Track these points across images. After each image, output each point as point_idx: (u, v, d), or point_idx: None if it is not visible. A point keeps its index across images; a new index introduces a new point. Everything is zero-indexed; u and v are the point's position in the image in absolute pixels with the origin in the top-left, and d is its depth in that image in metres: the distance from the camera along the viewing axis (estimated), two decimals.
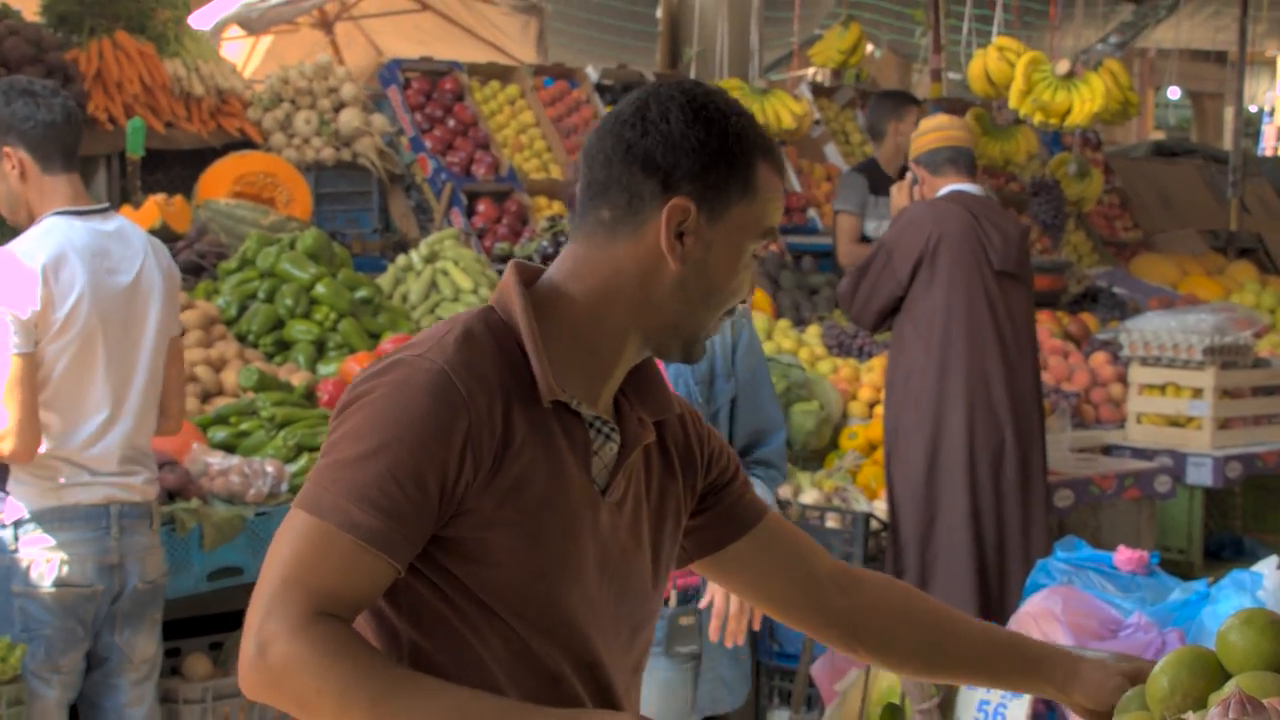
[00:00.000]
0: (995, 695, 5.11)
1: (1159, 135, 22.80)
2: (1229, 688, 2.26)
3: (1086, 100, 9.41)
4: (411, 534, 2.45)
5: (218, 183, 8.93)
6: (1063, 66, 9.46)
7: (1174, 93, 27.37)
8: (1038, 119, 9.55)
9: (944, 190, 7.41)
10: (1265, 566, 5.56)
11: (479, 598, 2.53)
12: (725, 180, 2.59)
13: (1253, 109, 26.07)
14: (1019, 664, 2.95)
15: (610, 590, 2.67)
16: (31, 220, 5.18)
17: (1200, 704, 2.29)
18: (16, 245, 5.09)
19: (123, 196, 8.70)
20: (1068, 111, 9.46)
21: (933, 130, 7.56)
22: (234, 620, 6.29)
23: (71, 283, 5.07)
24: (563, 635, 2.60)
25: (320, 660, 2.33)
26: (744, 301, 2.69)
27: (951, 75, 13.37)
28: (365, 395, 2.48)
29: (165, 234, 8.07)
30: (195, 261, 7.96)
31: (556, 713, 2.40)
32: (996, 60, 9.70)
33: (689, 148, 2.58)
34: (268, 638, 2.35)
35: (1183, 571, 7.54)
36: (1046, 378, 9.40)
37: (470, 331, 2.55)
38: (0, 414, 4.96)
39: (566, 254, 2.67)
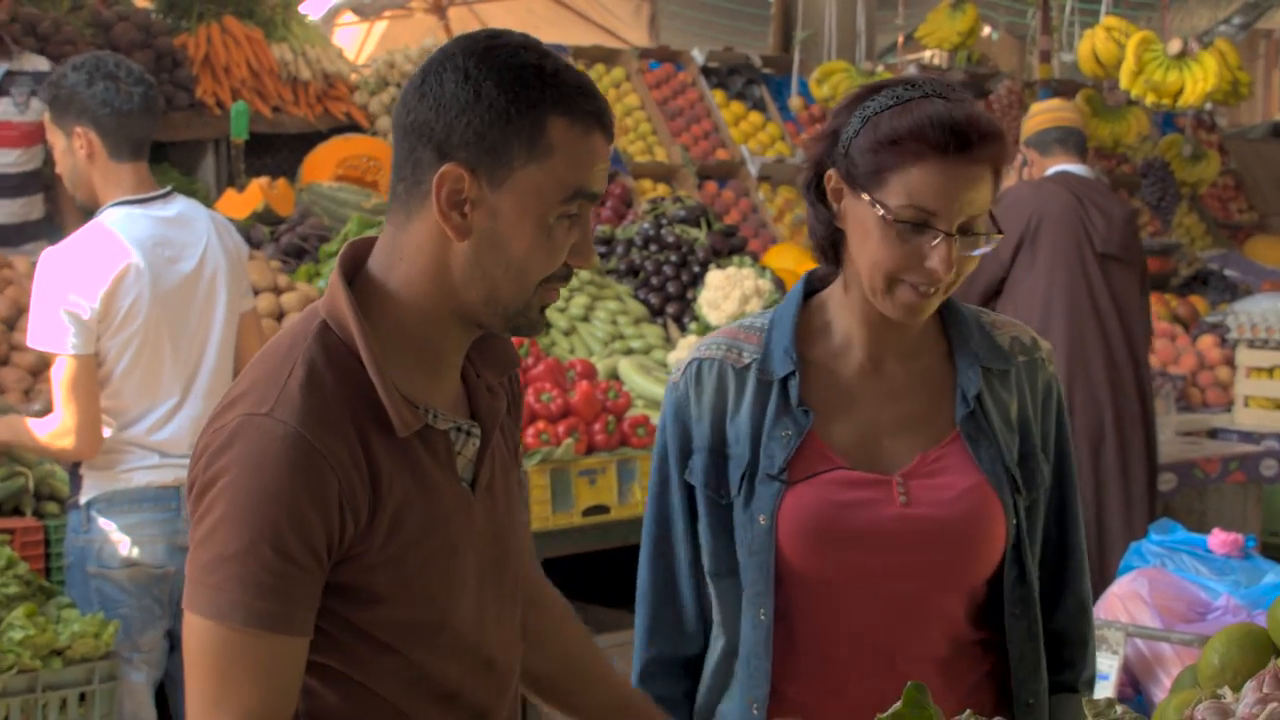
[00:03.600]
0: None
1: None
2: (1270, 664, 2.23)
3: (1199, 80, 9.30)
4: (312, 602, 2.38)
5: (321, 166, 9.00)
6: (1174, 46, 9.36)
7: None
8: (1149, 99, 9.44)
9: (1051, 170, 7.40)
10: None
11: (372, 635, 2.46)
12: (505, 141, 2.36)
13: None
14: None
15: (492, 579, 2.61)
16: (93, 200, 5.17)
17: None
18: (76, 242, 5.08)
19: (228, 180, 8.79)
20: (1179, 92, 9.35)
21: (1043, 112, 7.54)
22: None
23: (132, 278, 5.05)
24: (458, 649, 2.54)
25: None
26: (580, 267, 2.50)
27: (1065, 57, 13.26)
28: (223, 477, 2.34)
29: (268, 216, 8.15)
30: (297, 244, 8.01)
31: None
32: (1105, 40, 9.61)
33: (459, 109, 2.36)
34: None
35: None
36: (1153, 360, 9.32)
37: (312, 370, 2.40)
38: (60, 413, 4.98)
39: (380, 238, 2.51)
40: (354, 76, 9.95)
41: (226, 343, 5.31)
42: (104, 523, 5.08)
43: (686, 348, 7.76)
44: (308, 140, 9.32)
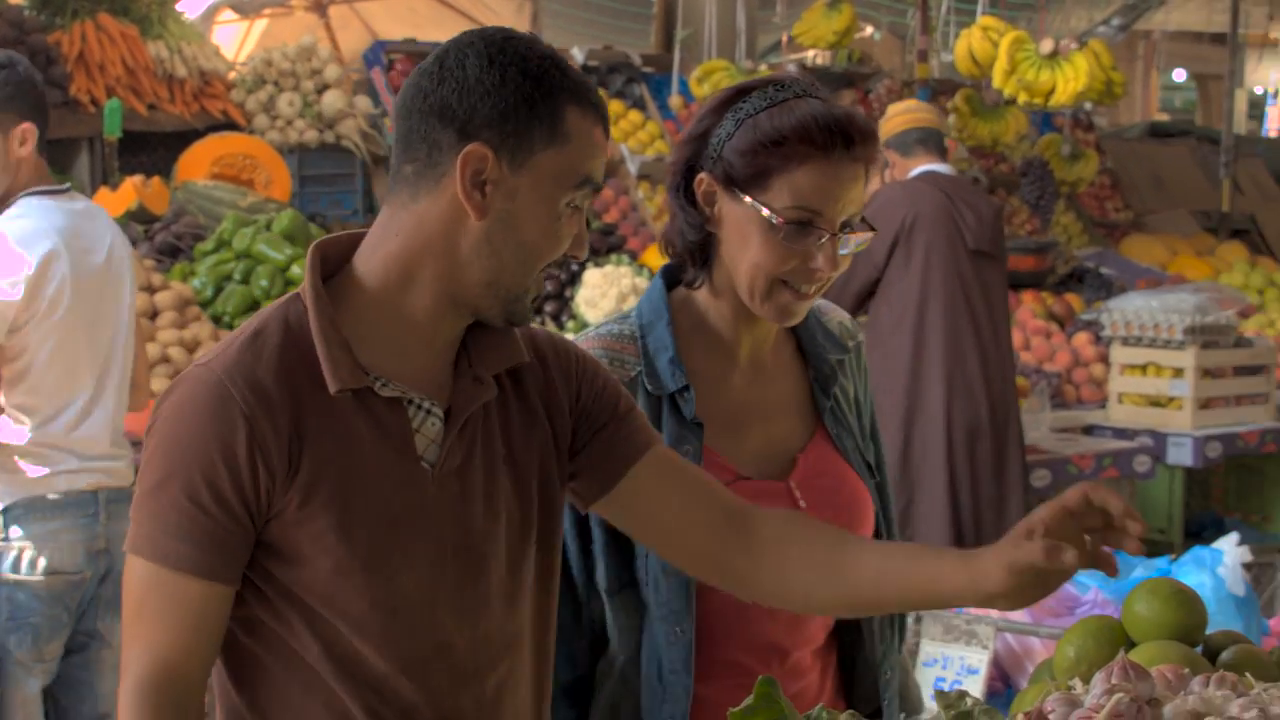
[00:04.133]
0: (950, 674, 5.11)
1: (1163, 118, 22.74)
2: (1119, 656, 2.25)
3: (1070, 80, 9.38)
4: (227, 551, 2.43)
5: (196, 164, 8.94)
6: (1046, 46, 9.44)
7: (1179, 75, 27.26)
8: (1022, 98, 9.52)
9: (915, 171, 7.41)
10: (1225, 543, 5.55)
11: (301, 599, 2.49)
12: (527, 125, 2.44)
13: (1259, 91, 26.01)
14: (918, 563, 2.64)
15: (455, 566, 2.57)
16: (8, 191, 5.09)
17: None
18: None
19: (102, 178, 8.70)
20: (1051, 91, 9.43)
21: (901, 114, 7.57)
22: None
23: (55, 267, 4.99)
24: (398, 628, 2.53)
25: None
26: (573, 256, 2.55)
27: (945, 57, 13.35)
28: (156, 421, 2.46)
29: (142, 215, 8.09)
30: (171, 243, 7.96)
31: None
32: (980, 40, 9.68)
33: (484, 92, 2.43)
34: (117, 697, 2.44)
35: (1163, 552, 7.52)
36: (1028, 358, 9.40)
37: (260, 331, 2.48)
38: None
39: (377, 220, 2.55)
40: (231, 74, 9.88)
41: (129, 339, 5.27)
42: (21, 530, 5.01)
43: None
44: (184, 138, 9.26)
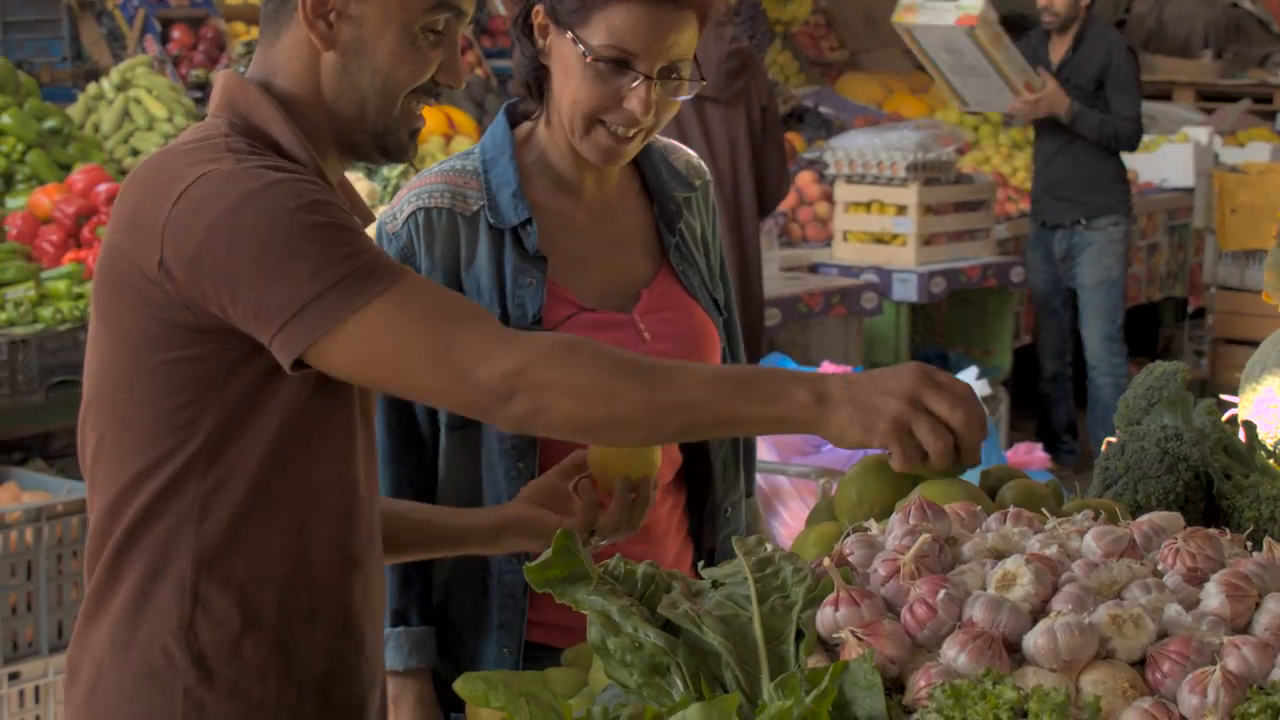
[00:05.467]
0: None
1: None
2: (913, 496, 2.24)
3: None
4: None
5: None
6: None
7: None
8: None
9: None
10: (965, 376, 5.65)
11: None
12: None
13: None
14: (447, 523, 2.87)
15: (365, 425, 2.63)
16: None
17: (888, 513, 2.27)
18: None
19: None
20: None
21: None
22: None
23: None
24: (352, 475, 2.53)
25: (564, 358, 2.30)
26: (450, 85, 2.52)
27: None
28: (231, 221, 2.27)
29: None
30: None
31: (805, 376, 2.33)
32: None
33: None
34: (498, 378, 2.28)
35: None
36: None
37: (230, 136, 2.40)
38: None
39: (253, 60, 2.51)
40: None
41: None
42: None
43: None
44: None
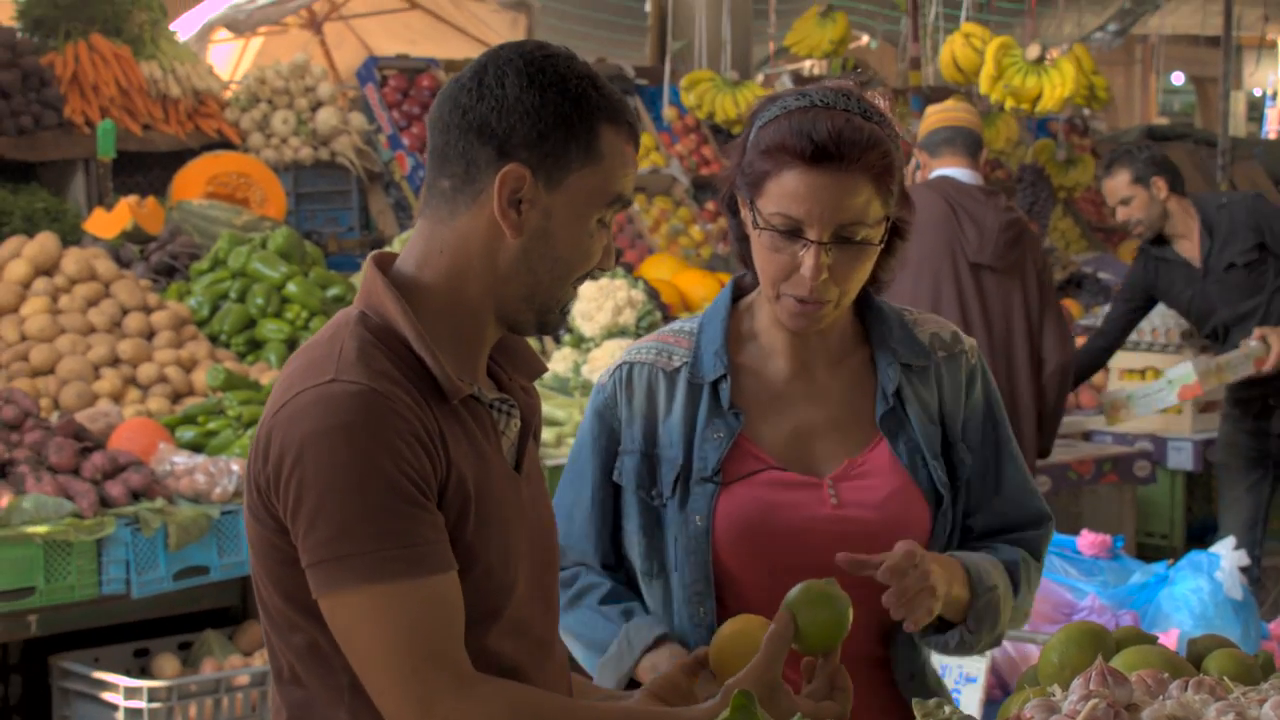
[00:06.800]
0: (949, 682, 5.11)
1: (1162, 121, 22.72)
2: (1097, 662, 2.25)
3: (1057, 85, 9.36)
4: (443, 536, 2.43)
5: (191, 184, 8.95)
6: (1032, 51, 9.42)
7: (1178, 78, 27.28)
8: (1009, 104, 9.51)
9: (932, 175, 7.18)
10: (1222, 548, 5.56)
11: None
12: (564, 146, 2.49)
13: (1257, 93, 25.98)
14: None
15: (540, 565, 2.66)
16: None
17: None
18: None
19: (98, 199, 8.71)
20: (1038, 97, 9.42)
21: (935, 113, 7.26)
22: (201, 620, 6.30)
23: None
24: (516, 628, 2.58)
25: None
26: (601, 269, 2.62)
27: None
28: (306, 454, 2.38)
29: (137, 235, 8.09)
30: (167, 262, 7.96)
31: None
32: (963, 47, 9.67)
33: (524, 112, 2.47)
34: None
35: (1166, 556, 7.51)
36: None
37: (363, 344, 2.46)
38: None
39: (416, 233, 2.59)
40: (225, 93, 9.89)
41: None
42: None
43: (562, 360, 7.75)
44: (179, 158, 9.26)
